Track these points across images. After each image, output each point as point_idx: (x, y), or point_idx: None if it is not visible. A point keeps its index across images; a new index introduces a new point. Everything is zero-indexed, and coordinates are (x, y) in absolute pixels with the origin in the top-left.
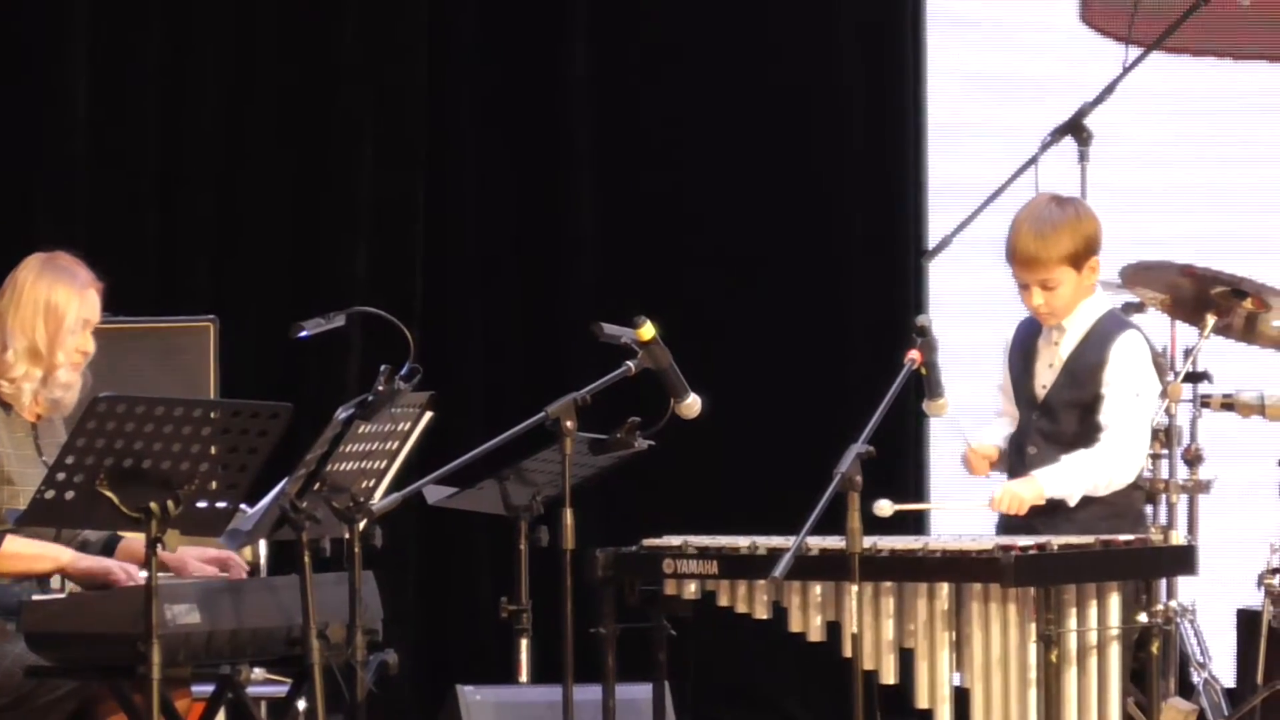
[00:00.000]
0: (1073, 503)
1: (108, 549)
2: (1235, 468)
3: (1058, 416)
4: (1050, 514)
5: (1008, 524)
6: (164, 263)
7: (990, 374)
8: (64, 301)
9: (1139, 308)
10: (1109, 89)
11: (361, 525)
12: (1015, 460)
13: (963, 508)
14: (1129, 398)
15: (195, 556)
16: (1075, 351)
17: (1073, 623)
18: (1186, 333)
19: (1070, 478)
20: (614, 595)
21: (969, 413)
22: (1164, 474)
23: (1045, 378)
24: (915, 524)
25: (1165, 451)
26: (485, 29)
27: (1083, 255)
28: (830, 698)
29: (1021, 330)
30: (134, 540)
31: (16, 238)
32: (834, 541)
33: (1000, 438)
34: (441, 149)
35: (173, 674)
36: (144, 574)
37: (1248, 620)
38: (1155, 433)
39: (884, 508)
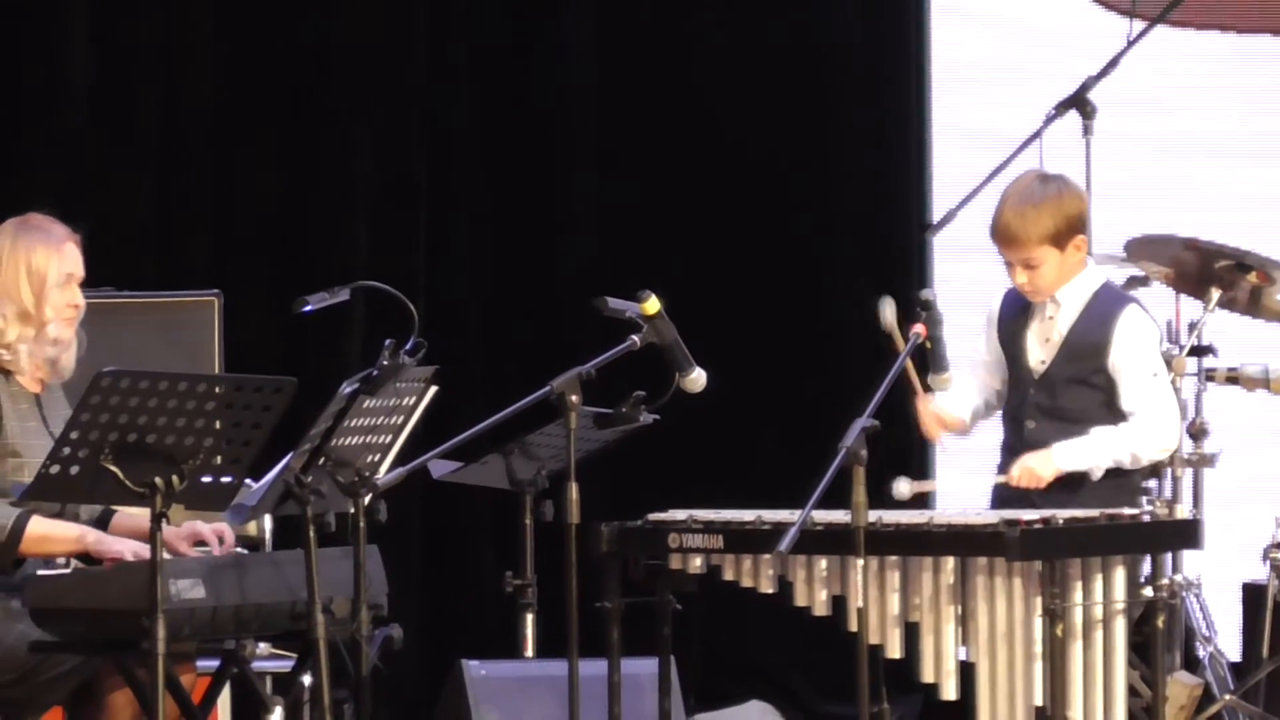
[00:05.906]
0: (1095, 476)
1: (101, 523)
2: (1240, 441)
3: (1056, 392)
4: (1051, 489)
5: (1003, 497)
6: (166, 238)
7: None
8: (43, 262)
9: (1143, 281)
10: (1113, 63)
11: (366, 500)
12: (1014, 435)
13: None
14: (1146, 378)
15: (182, 536)
16: (1075, 327)
17: (1078, 597)
18: (1191, 306)
19: (1090, 452)
20: (619, 570)
21: None
22: None
23: (1043, 353)
24: (920, 498)
25: None
26: (486, 4)
27: (1065, 234)
28: (835, 672)
29: (1009, 303)
30: (126, 516)
31: (17, 213)
32: (839, 516)
33: (965, 408)
34: (442, 125)
35: (177, 649)
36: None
37: (1253, 594)
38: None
39: (901, 490)
